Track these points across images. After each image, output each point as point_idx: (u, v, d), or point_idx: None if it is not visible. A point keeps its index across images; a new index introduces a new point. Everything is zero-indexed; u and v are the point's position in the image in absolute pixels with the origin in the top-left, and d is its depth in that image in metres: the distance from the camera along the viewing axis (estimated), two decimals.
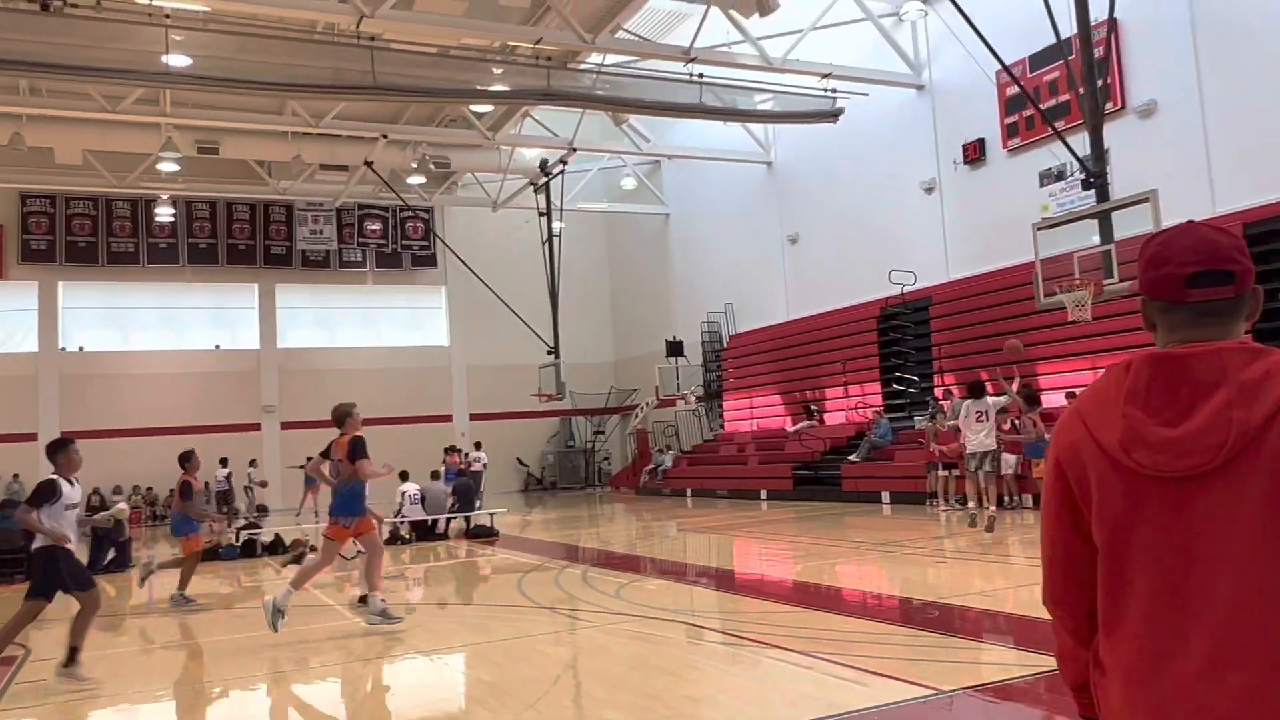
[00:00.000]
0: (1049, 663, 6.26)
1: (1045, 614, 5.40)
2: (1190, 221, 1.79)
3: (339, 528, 8.79)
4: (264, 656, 8.29)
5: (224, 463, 26.20)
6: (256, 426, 31.09)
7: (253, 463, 27.90)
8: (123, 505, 16.71)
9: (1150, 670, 1.62)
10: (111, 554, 15.51)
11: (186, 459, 11.68)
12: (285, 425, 31.16)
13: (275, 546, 16.95)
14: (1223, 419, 1.57)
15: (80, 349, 29.82)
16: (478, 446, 25.83)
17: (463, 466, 22.42)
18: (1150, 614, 1.63)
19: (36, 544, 7.15)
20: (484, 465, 24.63)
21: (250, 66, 18.34)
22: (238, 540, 16.98)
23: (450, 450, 22.87)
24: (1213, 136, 15.97)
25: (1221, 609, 1.57)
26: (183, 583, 11.22)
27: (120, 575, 15.07)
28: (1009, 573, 9.92)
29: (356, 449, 8.68)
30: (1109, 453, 1.66)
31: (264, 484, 26.88)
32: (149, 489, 29.54)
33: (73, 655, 7.13)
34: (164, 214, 29.78)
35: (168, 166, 25.07)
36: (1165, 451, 1.60)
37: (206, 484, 28.73)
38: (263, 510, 25.35)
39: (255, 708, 6.93)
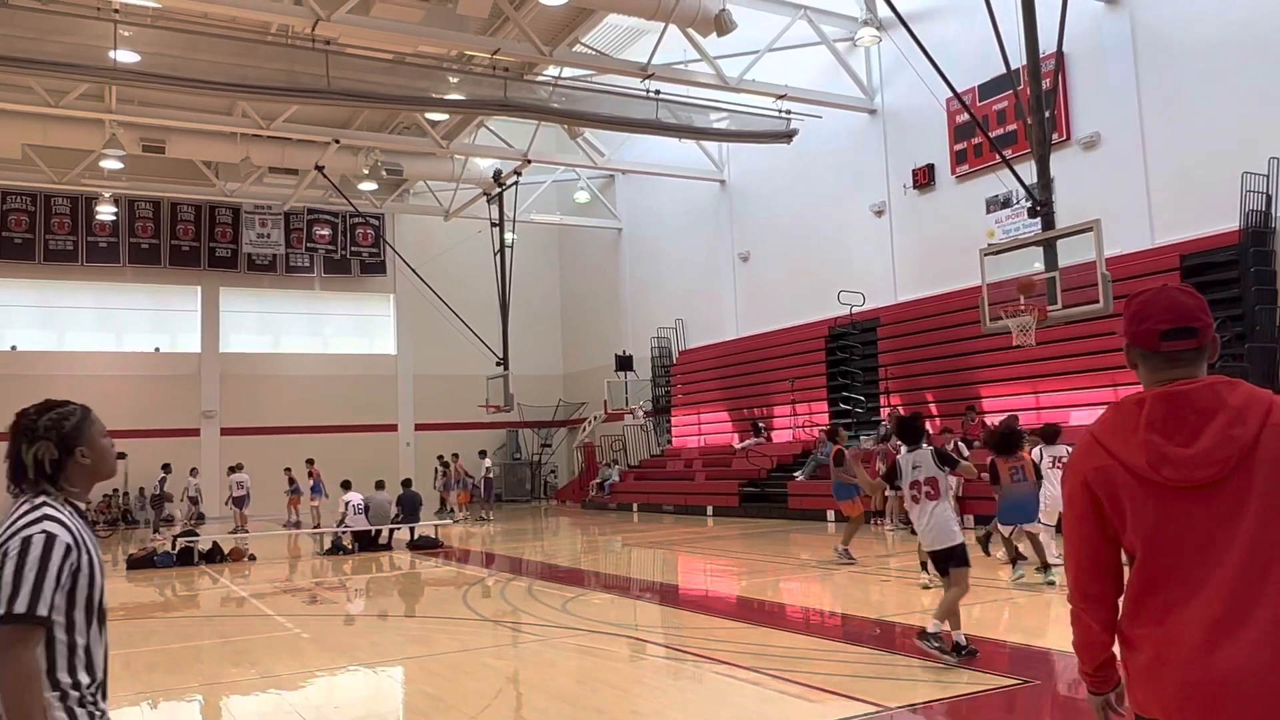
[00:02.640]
0: (991, 681, 6.35)
1: (984, 634, 5.54)
2: (1165, 285, 2.24)
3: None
4: (201, 667, 8.10)
5: (166, 468, 25.63)
6: (195, 432, 30.43)
7: (194, 471, 26.94)
8: None
9: (1177, 638, 2.03)
10: None
11: (834, 434, 13.43)
12: (225, 431, 30.55)
13: (213, 555, 16.60)
14: (1225, 437, 2.04)
15: (13, 348, 28.95)
16: (482, 455, 27.36)
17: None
18: (1177, 594, 2.05)
19: None
20: (489, 472, 27.12)
21: (200, 65, 18.02)
22: (174, 548, 16.59)
23: (310, 462, 23.82)
24: (1152, 170, 16.44)
25: (1233, 583, 2.00)
26: (846, 539, 12.57)
27: None
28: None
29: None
30: (1137, 472, 2.09)
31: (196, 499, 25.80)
32: None
33: None
34: (105, 212, 29.06)
35: (111, 164, 24.49)
36: (1186, 466, 2.04)
37: (142, 489, 28.15)
38: (169, 520, 24.91)
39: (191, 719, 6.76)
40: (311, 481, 23.65)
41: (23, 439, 2.49)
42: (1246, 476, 2.02)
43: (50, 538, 2.33)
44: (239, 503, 23.35)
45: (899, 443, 7.83)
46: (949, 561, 7.06)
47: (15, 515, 2.40)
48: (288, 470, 24.88)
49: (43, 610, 2.27)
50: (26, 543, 2.31)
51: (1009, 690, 6.17)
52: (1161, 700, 2.06)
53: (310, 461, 23.93)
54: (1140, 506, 2.08)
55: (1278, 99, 14.56)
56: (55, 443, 2.48)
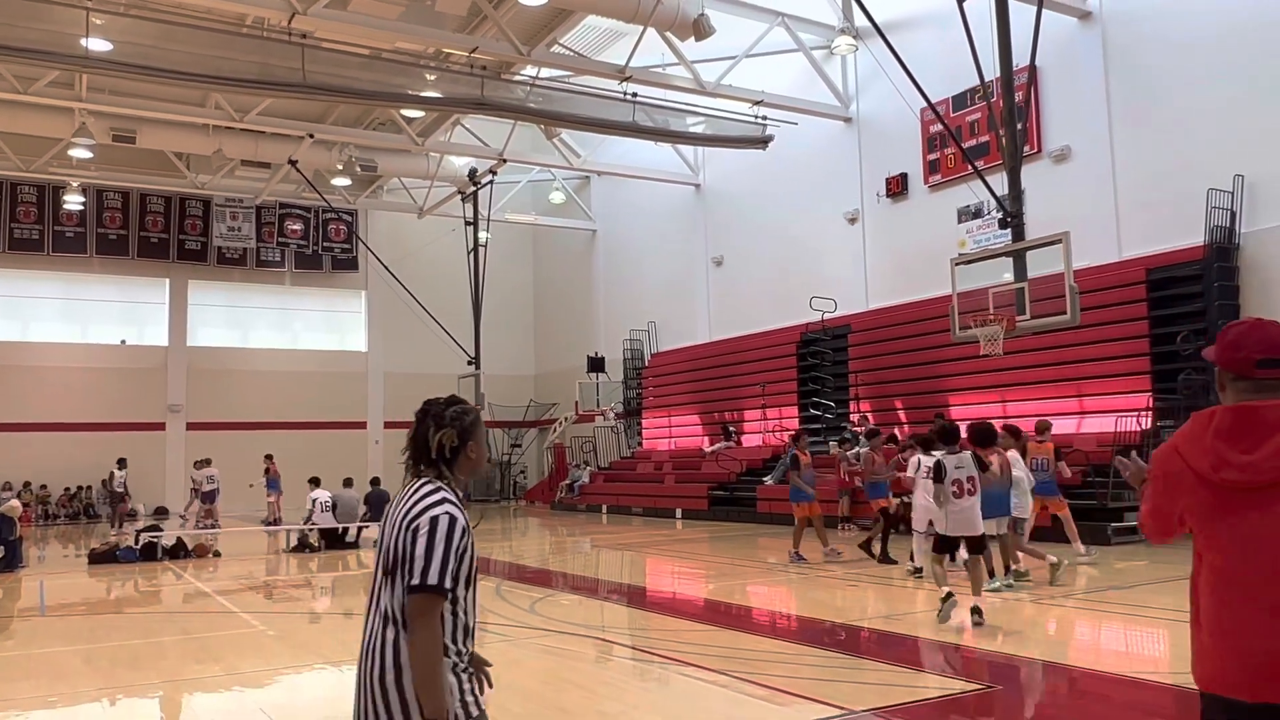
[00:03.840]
0: (955, 685, 6.43)
1: (944, 638, 5.67)
2: (1259, 319, 2.53)
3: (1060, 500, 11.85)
4: (164, 664, 8.02)
5: (121, 464, 25.21)
6: (161, 426, 30.08)
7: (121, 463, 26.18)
8: (14, 502, 16.07)
9: (1243, 620, 2.32)
10: (0, 553, 14.82)
11: (797, 438, 13.59)
12: (191, 426, 30.23)
13: (177, 550, 16.42)
14: None
15: None
16: None
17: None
18: (1231, 581, 2.36)
19: None
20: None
21: (174, 56, 17.84)
22: (137, 543, 16.39)
23: (268, 458, 23.72)
24: (1121, 184, 16.69)
25: None
26: (795, 541, 13.15)
27: (8, 575, 14.41)
28: (915, 598, 10.14)
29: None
30: (1202, 475, 2.41)
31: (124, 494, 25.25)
32: (42, 486, 28.31)
33: None
34: (73, 202, 28.68)
35: (80, 153, 24.19)
36: (1244, 470, 2.34)
37: (104, 483, 27.75)
38: (132, 515, 24.48)
39: (153, 716, 6.70)
40: (269, 478, 23.34)
41: (430, 423, 2.77)
42: None
43: (454, 519, 2.63)
44: (208, 498, 23.09)
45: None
46: (982, 544, 8.60)
47: (418, 494, 2.70)
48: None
49: (448, 583, 2.57)
50: (435, 521, 2.60)
51: (973, 695, 6.26)
52: (1229, 676, 2.34)
53: (269, 457, 23.64)
54: (1201, 505, 2.41)
55: (1244, 117, 14.83)
56: (458, 432, 2.78)
